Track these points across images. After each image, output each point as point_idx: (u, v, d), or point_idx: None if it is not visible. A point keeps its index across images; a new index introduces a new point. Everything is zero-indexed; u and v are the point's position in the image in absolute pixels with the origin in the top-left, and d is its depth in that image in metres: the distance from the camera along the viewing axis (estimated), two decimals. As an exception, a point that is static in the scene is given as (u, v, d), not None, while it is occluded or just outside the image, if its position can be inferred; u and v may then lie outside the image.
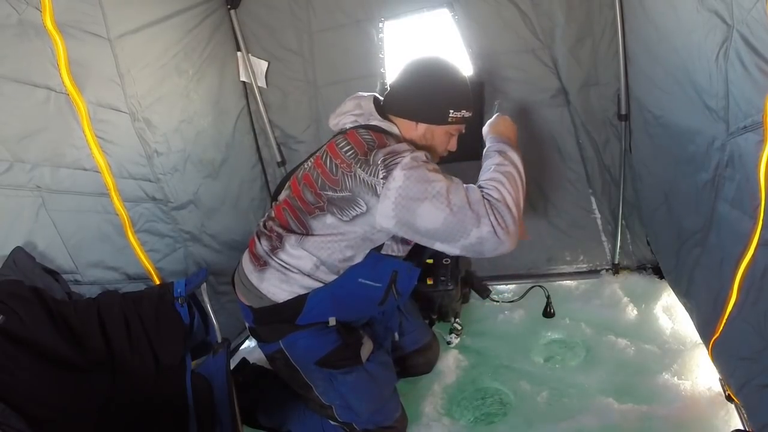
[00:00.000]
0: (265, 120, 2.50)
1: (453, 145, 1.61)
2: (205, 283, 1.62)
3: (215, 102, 2.25)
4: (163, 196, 1.91)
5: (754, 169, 1.01)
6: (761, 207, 1.02)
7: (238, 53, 2.39)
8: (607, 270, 2.42)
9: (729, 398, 1.54)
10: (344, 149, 1.43)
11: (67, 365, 1.31)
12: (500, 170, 1.37)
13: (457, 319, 2.19)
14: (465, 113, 1.54)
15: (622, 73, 1.98)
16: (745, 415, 1.41)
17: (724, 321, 1.32)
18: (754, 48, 0.94)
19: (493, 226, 1.26)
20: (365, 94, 1.63)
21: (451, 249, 1.34)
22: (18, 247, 1.39)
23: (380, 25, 2.22)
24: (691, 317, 1.73)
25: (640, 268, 2.39)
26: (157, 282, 1.83)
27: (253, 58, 2.39)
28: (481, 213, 1.27)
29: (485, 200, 1.29)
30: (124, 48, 1.72)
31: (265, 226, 1.65)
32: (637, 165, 2.04)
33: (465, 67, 2.17)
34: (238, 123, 2.42)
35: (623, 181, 2.19)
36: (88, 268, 1.61)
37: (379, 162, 1.34)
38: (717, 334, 1.39)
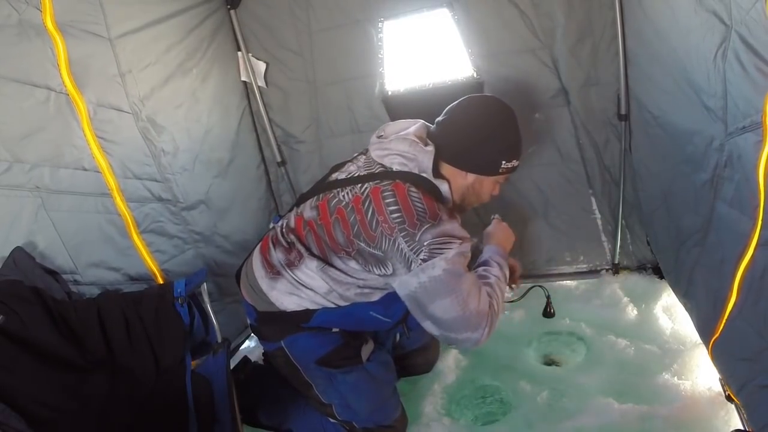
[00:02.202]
0: (266, 120, 2.50)
1: (497, 191, 1.59)
2: (204, 283, 1.62)
3: (220, 101, 2.25)
4: (171, 196, 1.91)
5: (753, 169, 1.01)
6: (760, 207, 1.02)
7: (238, 53, 2.39)
8: (607, 270, 2.42)
9: (729, 398, 1.54)
10: (390, 209, 1.35)
11: (67, 365, 1.32)
12: (499, 286, 1.48)
13: None
14: (515, 163, 1.51)
15: (621, 73, 1.97)
16: (745, 415, 1.41)
17: (723, 321, 1.32)
18: (753, 48, 0.94)
19: (482, 336, 1.37)
20: (416, 138, 1.48)
21: (434, 331, 1.41)
22: (18, 247, 1.39)
23: (380, 24, 2.21)
24: (691, 317, 1.73)
25: (640, 268, 2.39)
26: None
27: (252, 59, 2.39)
28: (482, 324, 1.36)
29: (490, 310, 1.39)
30: (125, 48, 1.73)
31: (282, 234, 1.61)
32: (636, 165, 2.04)
33: (465, 67, 2.18)
34: (241, 122, 2.42)
35: (623, 181, 2.18)
36: (88, 268, 1.61)
37: (425, 243, 1.32)
38: (717, 335, 1.39)
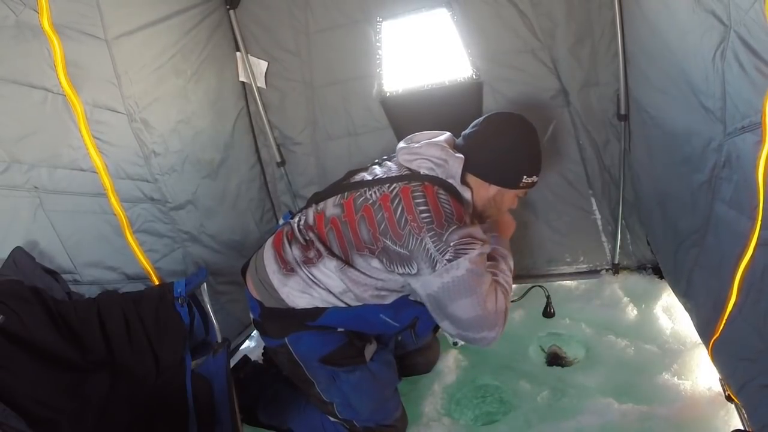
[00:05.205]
0: (265, 120, 2.49)
1: (515, 204, 1.66)
2: (204, 283, 1.62)
3: (214, 102, 2.25)
4: (161, 196, 1.91)
5: (752, 169, 1.01)
6: (760, 207, 1.02)
7: (237, 54, 2.39)
8: (607, 270, 2.42)
9: (729, 398, 1.54)
10: (420, 209, 1.40)
11: (67, 365, 1.31)
12: (507, 281, 1.53)
13: None
14: (534, 179, 1.57)
15: (621, 73, 1.97)
16: (745, 415, 1.41)
17: (723, 321, 1.32)
18: (752, 49, 0.94)
19: (497, 334, 1.42)
20: (446, 144, 1.53)
21: (452, 329, 1.44)
22: (18, 247, 1.39)
23: (378, 24, 2.21)
24: (691, 317, 1.73)
25: (640, 268, 2.39)
26: (156, 282, 1.83)
27: (252, 58, 2.39)
28: (499, 322, 1.42)
29: (506, 309, 1.45)
30: (121, 49, 1.72)
31: (300, 231, 1.62)
32: (634, 165, 2.04)
33: (464, 67, 2.17)
34: (237, 123, 2.42)
35: (623, 182, 2.18)
36: (86, 268, 1.62)
37: (451, 243, 1.36)
38: (717, 335, 1.39)
